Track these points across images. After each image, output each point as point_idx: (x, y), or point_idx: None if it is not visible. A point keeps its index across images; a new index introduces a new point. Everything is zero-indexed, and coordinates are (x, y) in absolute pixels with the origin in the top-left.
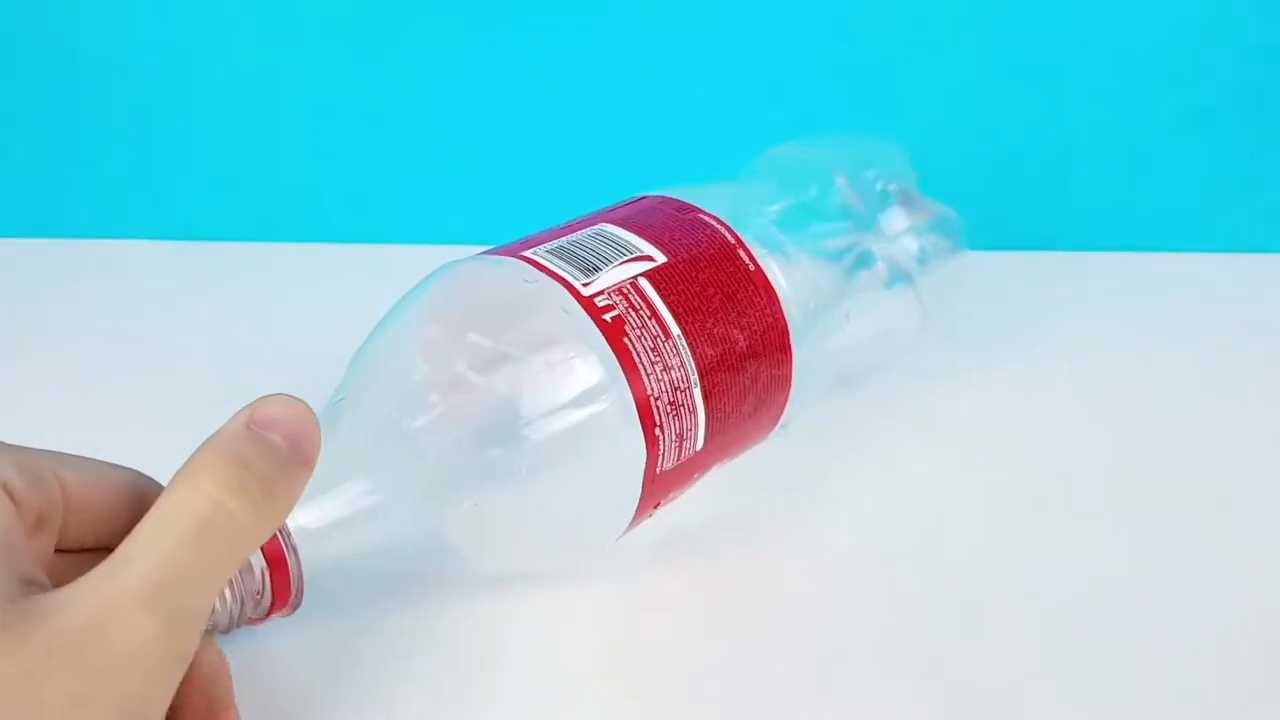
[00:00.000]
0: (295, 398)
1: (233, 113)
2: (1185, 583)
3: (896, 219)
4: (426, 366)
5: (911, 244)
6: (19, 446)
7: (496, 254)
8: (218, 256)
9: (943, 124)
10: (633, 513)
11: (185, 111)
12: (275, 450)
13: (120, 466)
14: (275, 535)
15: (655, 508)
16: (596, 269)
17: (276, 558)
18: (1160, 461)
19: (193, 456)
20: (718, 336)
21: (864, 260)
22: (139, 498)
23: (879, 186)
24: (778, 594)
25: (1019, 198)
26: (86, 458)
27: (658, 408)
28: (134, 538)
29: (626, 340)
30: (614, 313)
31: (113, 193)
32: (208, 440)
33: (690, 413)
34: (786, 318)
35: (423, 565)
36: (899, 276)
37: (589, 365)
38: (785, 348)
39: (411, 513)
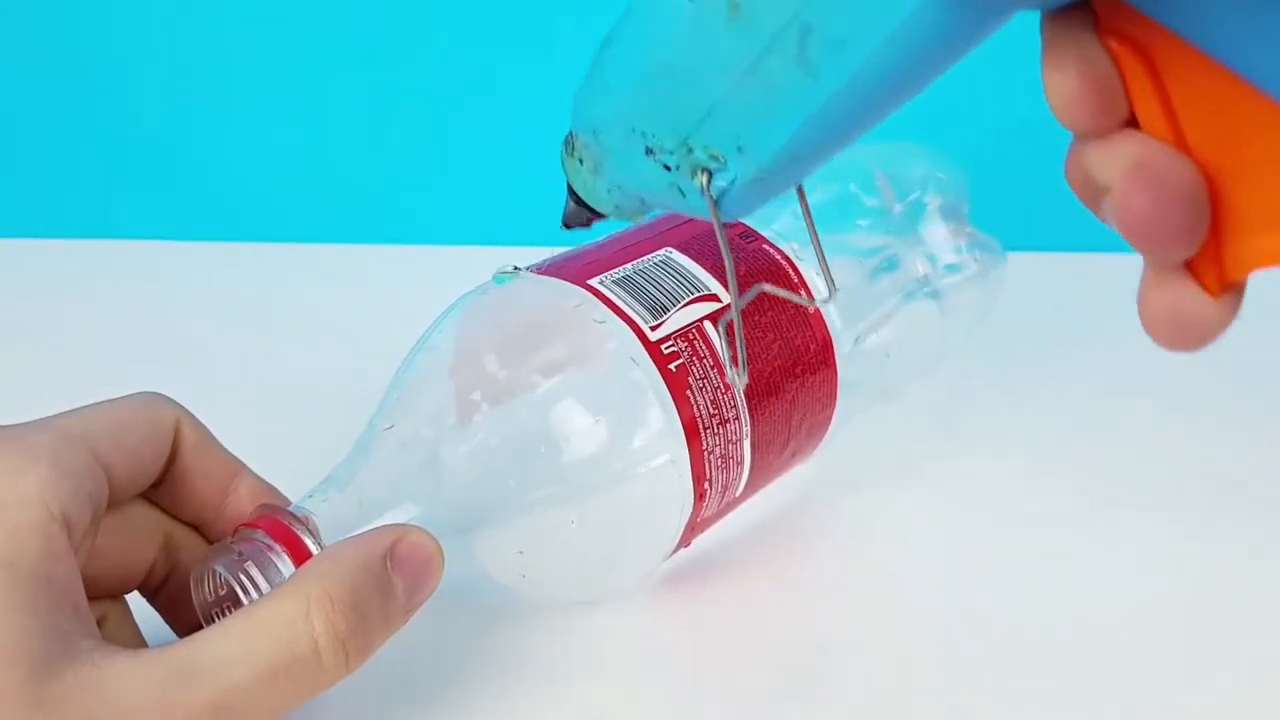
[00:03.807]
0: (436, 541)
1: (234, 113)
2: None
3: (935, 230)
4: (483, 402)
5: (946, 258)
6: (53, 431)
7: (559, 274)
8: (219, 257)
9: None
10: (666, 556)
11: (185, 113)
12: (394, 602)
13: (137, 402)
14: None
15: (686, 546)
16: (664, 309)
17: None
18: (1176, 465)
19: (323, 567)
20: (773, 386)
21: (890, 264)
22: (164, 431)
23: (922, 198)
24: (800, 608)
25: (1021, 199)
26: (109, 410)
27: (710, 462)
28: (217, 641)
29: (689, 393)
30: (679, 361)
31: (112, 193)
32: (344, 554)
33: (738, 464)
34: (838, 364)
35: (458, 591)
36: (924, 289)
37: (650, 420)
38: (832, 395)
39: (456, 547)
